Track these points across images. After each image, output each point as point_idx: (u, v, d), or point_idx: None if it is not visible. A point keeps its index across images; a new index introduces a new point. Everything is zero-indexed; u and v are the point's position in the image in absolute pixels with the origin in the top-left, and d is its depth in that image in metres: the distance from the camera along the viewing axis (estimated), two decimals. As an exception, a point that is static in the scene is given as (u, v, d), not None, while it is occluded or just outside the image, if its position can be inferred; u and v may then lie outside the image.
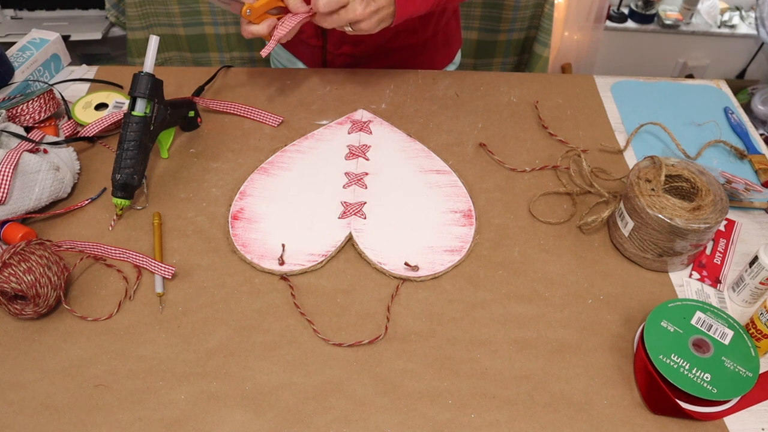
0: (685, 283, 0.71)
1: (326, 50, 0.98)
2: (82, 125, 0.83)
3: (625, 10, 2.08)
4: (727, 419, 0.60)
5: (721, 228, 0.77)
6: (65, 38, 0.98)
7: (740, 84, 2.13)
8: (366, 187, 0.78)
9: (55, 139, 0.79)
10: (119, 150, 0.72)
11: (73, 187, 0.77)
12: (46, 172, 0.72)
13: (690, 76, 2.10)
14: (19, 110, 0.79)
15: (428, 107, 0.91)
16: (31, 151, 0.73)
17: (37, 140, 0.76)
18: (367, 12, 0.73)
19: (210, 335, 0.64)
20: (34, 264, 0.62)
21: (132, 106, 0.73)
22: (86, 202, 0.76)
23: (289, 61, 1.04)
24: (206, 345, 0.63)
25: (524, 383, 0.61)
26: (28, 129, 0.80)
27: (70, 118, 0.84)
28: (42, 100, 0.81)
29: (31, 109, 0.80)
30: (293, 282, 0.69)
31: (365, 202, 0.77)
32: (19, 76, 0.88)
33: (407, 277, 0.69)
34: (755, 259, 0.66)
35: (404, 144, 0.85)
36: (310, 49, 0.99)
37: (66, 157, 0.77)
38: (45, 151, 0.75)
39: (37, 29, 0.95)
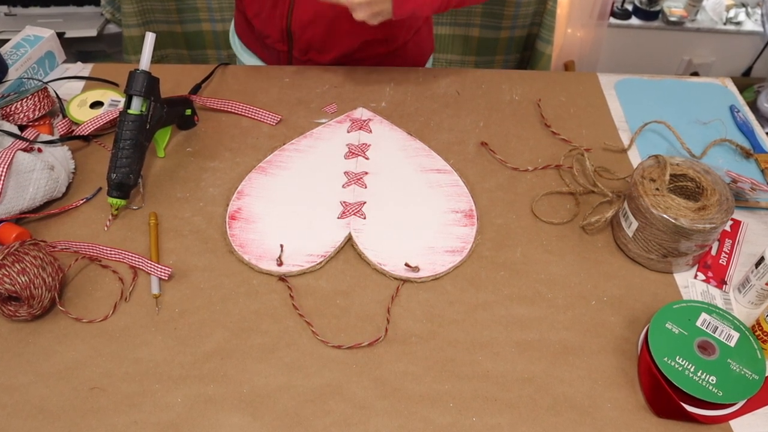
0: (690, 284, 0.70)
1: (292, 56, 0.97)
2: (77, 124, 0.82)
3: (629, 7, 2.06)
4: (733, 422, 0.59)
5: (727, 228, 0.76)
6: (60, 35, 0.97)
7: (746, 82, 2.11)
8: (366, 187, 0.78)
9: (49, 137, 0.78)
10: (115, 149, 0.71)
11: (68, 187, 0.77)
12: (41, 172, 0.71)
13: (695, 74, 2.08)
14: (13, 108, 0.79)
15: (429, 105, 0.91)
16: (25, 150, 0.73)
17: (31, 139, 0.75)
18: (359, 1, 0.74)
19: (207, 337, 0.63)
20: (28, 265, 0.61)
21: (128, 105, 0.72)
22: (81, 201, 0.75)
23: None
24: (203, 347, 0.62)
25: (526, 386, 0.61)
26: (22, 127, 0.79)
27: (64, 116, 0.84)
28: (36, 99, 0.80)
29: (25, 108, 0.79)
30: (292, 283, 0.68)
31: (365, 202, 0.76)
32: (12, 74, 0.88)
33: (407, 278, 0.69)
34: (761, 259, 0.65)
35: (404, 143, 0.84)
36: (276, 54, 0.98)
37: (61, 156, 0.76)
38: (39, 150, 0.74)
39: (31, 26, 0.94)
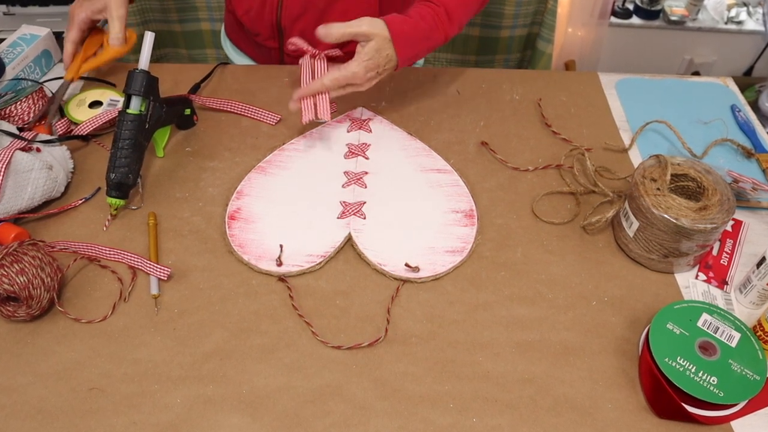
0: (691, 284, 0.70)
1: (283, 52, 0.96)
2: (75, 123, 0.82)
3: (630, 6, 2.06)
4: (734, 423, 0.59)
5: (728, 228, 0.76)
6: (58, 34, 0.96)
7: (747, 81, 2.11)
8: (365, 187, 0.77)
9: (48, 137, 0.78)
10: (114, 149, 0.71)
11: (67, 187, 0.76)
12: (39, 171, 0.71)
13: (696, 74, 2.08)
14: (7, 111, 0.78)
15: (429, 105, 0.90)
16: (23, 149, 0.72)
17: (29, 138, 0.75)
18: (373, 83, 0.76)
19: (206, 338, 0.63)
20: (26, 265, 0.61)
21: (127, 104, 0.72)
22: (80, 201, 0.75)
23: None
24: (202, 348, 0.62)
25: (527, 387, 0.60)
26: (20, 127, 0.79)
27: (63, 116, 0.83)
28: (31, 101, 0.79)
29: (19, 111, 0.78)
30: (291, 283, 0.68)
31: (365, 202, 0.75)
32: (9, 73, 0.87)
33: (408, 279, 0.68)
34: (763, 260, 0.65)
35: (404, 142, 0.84)
36: (267, 51, 0.97)
37: (59, 155, 0.76)
38: (38, 150, 0.74)
39: (28, 25, 0.93)
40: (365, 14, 0.81)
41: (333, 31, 0.72)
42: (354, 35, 0.73)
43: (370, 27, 0.72)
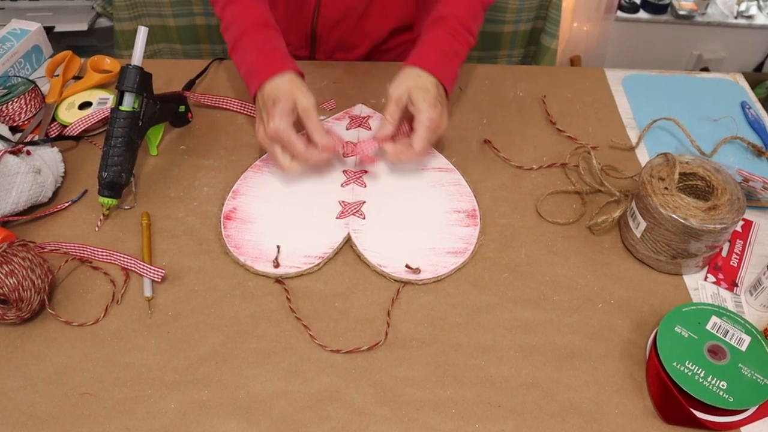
0: (700, 286, 0.69)
1: (315, 61, 0.95)
2: (66, 126, 0.81)
3: (637, 0, 2.04)
4: (744, 429, 0.58)
5: (738, 228, 0.74)
6: (50, 29, 0.96)
7: (758, 77, 2.09)
8: (365, 186, 0.76)
9: (37, 138, 0.77)
10: (106, 147, 0.70)
11: (57, 189, 0.75)
12: (25, 175, 0.69)
13: (705, 69, 2.06)
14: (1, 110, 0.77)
15: (431, 101, 0.89)
16: (12, 151, 0.71)
17: (16, 140, 0.73)
18: (445, 119, 0.73)
19: (201, 341, 0.62)
20: (16, 266, 0.60)
21: (119, 101, 0.71)
22: (66, 204, 0.73)
23: None
24: (197, 351, 0.61)
25: (531, 391, 0.59)
26: (14, 128, 0.78)
27: (54, 120, 0.81)
28: (23, 101, 0.78)
29: (10, 111, 0.77)
30: (289, 285, 0.67)
31: (364, 202, 0.74)
32: (-1, 69, 0.86)
33: (408, 280, 0.67)
34: (775, 261, 0.63)
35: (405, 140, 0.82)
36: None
37: (50, 159, 0.74)
38: (28, 153, 0.72)
39: (18, 19, 0.92)
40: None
41: (387, 125, 0.72)
42: (398, 101, 0.71)
43: (402, 82, 0.71)
